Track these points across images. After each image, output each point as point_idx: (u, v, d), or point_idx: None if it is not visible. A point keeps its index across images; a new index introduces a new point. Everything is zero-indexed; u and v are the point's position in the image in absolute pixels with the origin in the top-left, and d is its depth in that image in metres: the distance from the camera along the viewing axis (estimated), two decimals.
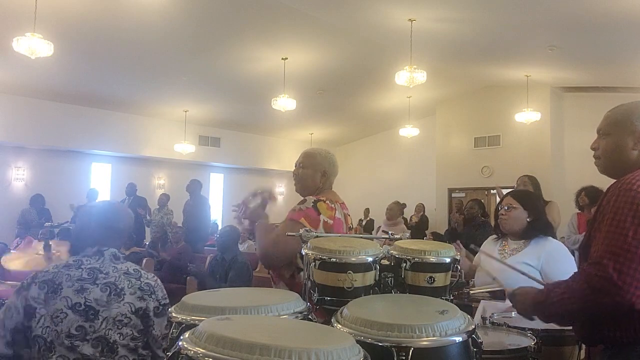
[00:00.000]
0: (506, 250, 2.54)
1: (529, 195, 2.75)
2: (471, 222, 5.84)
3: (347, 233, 2.47)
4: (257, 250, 2.45)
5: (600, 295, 1.39)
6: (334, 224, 2.31)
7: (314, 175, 2.56)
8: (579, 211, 5.31)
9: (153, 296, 1.96)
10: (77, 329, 1.81)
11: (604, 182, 1.66)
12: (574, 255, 3.47)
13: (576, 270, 2.50)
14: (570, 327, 1.93)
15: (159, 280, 2.05)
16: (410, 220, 11.55)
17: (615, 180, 1.59)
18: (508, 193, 2.73)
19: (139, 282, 1.95)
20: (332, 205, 2.38)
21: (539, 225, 2.55)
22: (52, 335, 1.80)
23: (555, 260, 2.48)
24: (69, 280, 1.86)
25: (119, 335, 1.85)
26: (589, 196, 5.18)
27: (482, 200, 11.71)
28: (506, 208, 2.59)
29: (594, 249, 1.48)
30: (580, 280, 1.45)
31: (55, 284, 1.85)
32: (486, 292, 2.21)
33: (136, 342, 1.89)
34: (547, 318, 1.62)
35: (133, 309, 1.89)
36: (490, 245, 2.69)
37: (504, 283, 2.14)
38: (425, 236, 10.52)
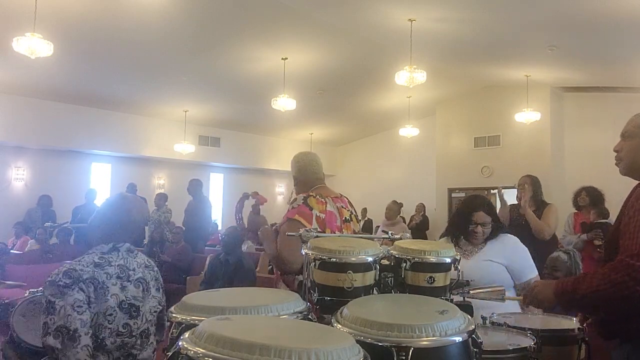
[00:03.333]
0: (469, 250, 2.64)
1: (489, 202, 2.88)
2: None
3: (342, 225, 2.56)
4: (270, 258, 2.56)
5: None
6: (326, 217, 2.45)
7: (295, 181, 2.78)
8: (576, 211, 5.28)
9: (159, 280, 2.13)
10: (124, 326, 1.86)
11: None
12: (574, 255, 3.49)
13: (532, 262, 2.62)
14: (571, 327, 1.94)
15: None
16: (411, 221, 11.52)
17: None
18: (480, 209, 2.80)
19: (154, 272, 2.10)
20: (322, 200, 2.50)
21: (497, 225, 2.70)
22: (105, 333, 1.82)
23: (518, 254, 2.65)
24: (110, 279, 1.88)
25: (152, 325, 2.00)
26: (590, 196, 5.17)
27: None
28: (482, 223, 2.68)
29: (629, 242, 1.54)
30: (622, 271, 1.51)
31: (99, 281, 1.85)
32: (486, 292, 2.21)
33: (158, 321, 2.07)
34: (574, 308, 1.74)
35: (158, 301, 2.05)
36: None
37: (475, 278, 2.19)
38: (426, 237, 10.51)
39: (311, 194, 2.52)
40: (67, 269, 1.84)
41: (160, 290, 2.11)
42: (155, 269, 2.14)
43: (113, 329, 1.83)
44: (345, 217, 2.65)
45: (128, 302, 1.89)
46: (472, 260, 2.55)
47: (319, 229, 2.38)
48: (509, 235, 2.73)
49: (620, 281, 1.50)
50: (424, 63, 8.17)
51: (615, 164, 1.79)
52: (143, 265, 2.05)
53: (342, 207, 2.63)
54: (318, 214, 2.43)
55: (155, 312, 2.02)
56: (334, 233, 2.47)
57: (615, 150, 1.80)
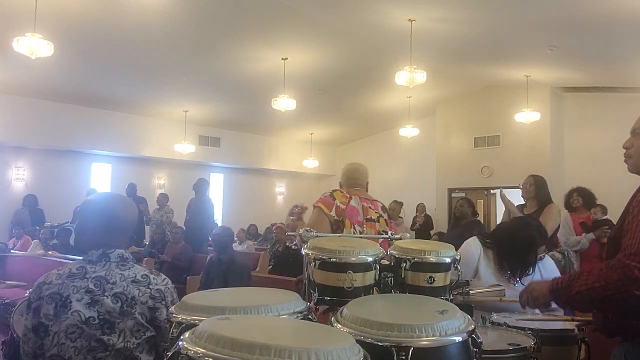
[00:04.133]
0: (511, 278, 2.56)
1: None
2: (462, 222, 5.75)
3: (364, 222, 2.77)
4: None
5: (636, 285, 1.45)
6: (347, 209, 2.72)
7: (340, 186, 3.11)
8: (568, 212, 5.23)
9: (164, 302, 1.86)
10: (97, 341, 1.73)
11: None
12: (569, 254, 3.50)
13: None
14: (571, 327, 1.94)
15: (169, 283, 1.93)
16: (414, 223, 11.44)
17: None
18: None
19: (149, 290, 1.84)
20: (347, 195, 2.80)
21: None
22: (70, 352, 1.71)
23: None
24: (76, 293, 1.76)
25: (137, 344, 1.78)
26: (582, 197, 5.16)
27: (482, 200, 11.82)
28: None
29: (629, 241, 1.52)
30: (618, 270, 1.50)
31: (63, 297, 1.75)
32: (486, 292, 2.21)
33: (151, 344, 1.85)
34: (568, 303, 1.73)
35: (146, 319, 1.82)
36: (499, 274, 2.60)
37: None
38: (431, 237, 10.49)
39: (340, 189, 2.86)
40: (40, 282, 1.81)
41: (160, 306, 1.84)
42: (154, 286, 1.86)
43: (81, 346, 1.71)
44: (371, 217, 2.80)
45: (100, 317, 1.74)
46: (516, 291, 2.52)
47: (336, 217, 2.68)
48: (548, 259, 2.68)
49: (616, 280, 1.50)
50: (424, 63, 8.17)
51: (624, 161, 1.78)
52: (130, 279, 1.82)
53: (370, 207, 2.83)
54: (339, 204, 2.71)
55: (138, 331, 1.79)
56: (354, 226, 2.70)
57: (624, 147, 1.79)
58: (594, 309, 1.71)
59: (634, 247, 1.50)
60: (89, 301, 1.75)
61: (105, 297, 1.76)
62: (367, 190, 3.01)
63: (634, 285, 1.46)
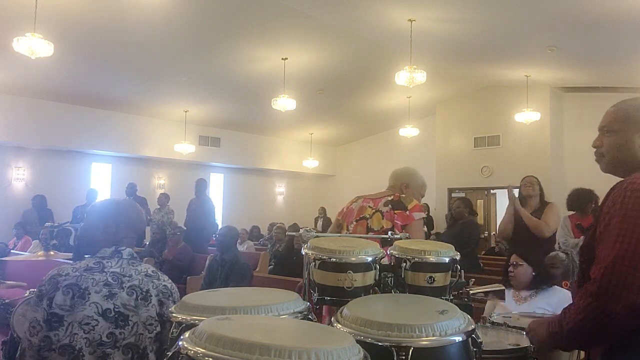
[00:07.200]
0: (519, 299, 2.85)
1: (532, 252, 3.10)
2: (458, 221, 5.78)
3: (353, 222, 2.81)
4: None
5: (612, 303, 1.28)
6: (347, 211, 2.92)
7: None
8: (572, 213, 5.22)
9: (170, 298, 1.91)
10: (108, 336, 1.75)
11: (603, 183, 1.64)
12: (572, 255, 3.52)
13: None
14: None
15: (172, 282, 2.01)
16: None
17: (619, 180, 1.50)
18: (513, 251, 3.09)
19: (160, 283, 1.91)
20: (355, 200, 2.96)
21: (542, 278, 2.94)
22: (82, 343, 1.73)
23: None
24: (95, 285, 1.80)
25: (149, 339, 1.80)
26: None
27: (481, 200, 11.82)
28: (514, 264, 2.95)
29: (601, 254, 1.38)
30: (586, 294, 1.33)
31: (81, 288, 1.78)
32: (486, 291, 2.22)
33: (156, 344, 1.84)
34: (570, 346, 1.53)
35: (157, 312, 1.85)
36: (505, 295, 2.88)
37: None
38: (430, 236, 10.51)
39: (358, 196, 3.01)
40: (54, 274, 1.84)
41: (167, 302, 1.89)
42: (163, 283, 1.93)
43: (93, 338, 1.74)
44: (364, 215, 2.80)
45: (116, 310, 1.77)
46: (522, 307, 2.75)
47: (340, 220, 2.94)
48: (562, 289, 2.90)
49: (586, 305, 1.32)
50: (424, 63, 8.17)
51: (596, 160, 1.67)
52: (143, 273, 1.89)
53: (369, 206, 2.83)
54: (344, 209, 2.95)
55: (151, 325, 1.82)
56: (347, 226, 2.82)
57: (594, 146, 1.66)
58: (597, 344, 1.45)
59: (604, 260, 1.34)
60: (107, 294, 1.79)
61: (121, 290, 1.81)
62: (402, 192, 2.90)
63: (607, 302, 1.28)
